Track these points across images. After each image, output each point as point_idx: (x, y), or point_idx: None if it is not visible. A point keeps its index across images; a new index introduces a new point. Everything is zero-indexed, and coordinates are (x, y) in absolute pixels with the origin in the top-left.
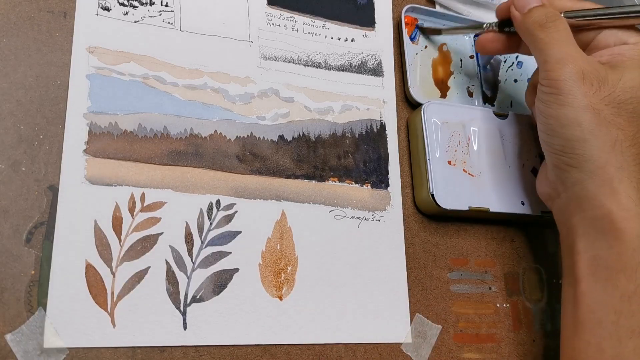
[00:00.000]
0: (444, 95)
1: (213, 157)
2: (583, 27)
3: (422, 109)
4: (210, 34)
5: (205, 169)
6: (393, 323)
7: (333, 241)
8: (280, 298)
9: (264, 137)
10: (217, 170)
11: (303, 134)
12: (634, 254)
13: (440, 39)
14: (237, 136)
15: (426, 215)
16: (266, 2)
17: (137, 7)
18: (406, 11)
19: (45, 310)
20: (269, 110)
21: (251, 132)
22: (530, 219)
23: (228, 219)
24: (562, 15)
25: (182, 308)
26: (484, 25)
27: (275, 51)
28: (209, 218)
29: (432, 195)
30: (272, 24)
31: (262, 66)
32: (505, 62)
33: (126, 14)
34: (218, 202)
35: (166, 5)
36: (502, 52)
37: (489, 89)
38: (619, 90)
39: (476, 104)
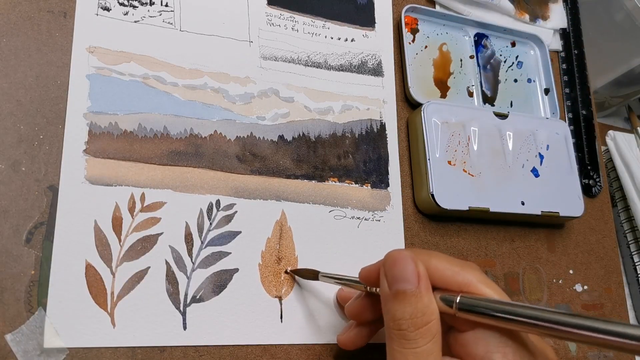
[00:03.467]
0: (444, 95)
1: (213, 157)
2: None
3: (422, 109)
4: (210, 34)
5: (205, 169)
6: None
7: (333, 241)
8: (280, 298)
9: (264, 137)
10: (217, 170)
11: (303, 134)
12: None
13: (435, 43)
14: (237, 136)
15: (426, 215)
16: (266, 2)
17: (137, 7)
18: (406, 11)
19: (45, 310)
20: (269, 110)
21: (251, 132)
22: (530, 219)
23: (228, 219)
24: (452, 300)
25: (182, 308)
26: (366, 287)
27: (275, 51)
28: (209, 218)
29: (432, 195)
30: (272, 24)
31: (262, 66)
32: (505, 62)
33: (126, 14)
34: (218, 202)
35: (166, 5)
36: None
37: (489, 89)
38: None
39: (476, 104)
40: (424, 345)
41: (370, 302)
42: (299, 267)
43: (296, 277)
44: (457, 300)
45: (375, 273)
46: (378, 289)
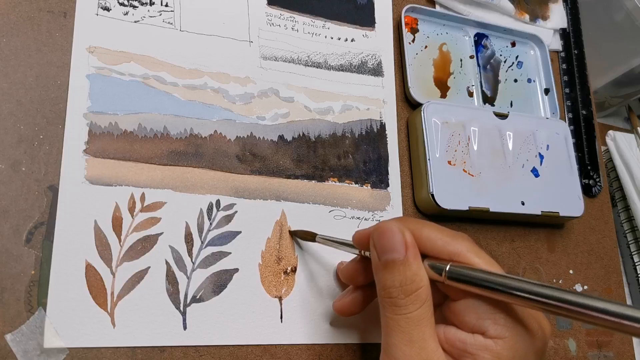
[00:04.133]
0: (444, 95)
1: (213, 157)
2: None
3: (422, 109)
4: (210, 34)
5: (205, 169)
6: None
7: None
8: (280, 298)
9: (264, 137)
10: (217, 170)
11: (303, 134)
12: None
13: (435, 43)
14: (237, 136)
15: (426, 215)
16: (266, 2)
17: (137, 7)
18: (406, 11)
19: (45, 310)
20: (269, 110)
21: (251, 132)
22: (530, 219)
23: (228, 219)
24: (441, 268)
25: (182, 308)
26: (361, 251)
27: (275, 51)
28: (209, 218)
29: (432, 195)
30: (272, 24)
31: (262, 66)
32: (505, 62)
33: (126, 14)
34: (218, 202)
35: (166, 5)
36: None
37: (489, 89)
38: None
39: (476, 104)
40: (415, 311)
41: (363, 266)
42: (299, 266)
43: (296, 277)
44: (447, 269)
45: (366, 238)
46: (369, 254)
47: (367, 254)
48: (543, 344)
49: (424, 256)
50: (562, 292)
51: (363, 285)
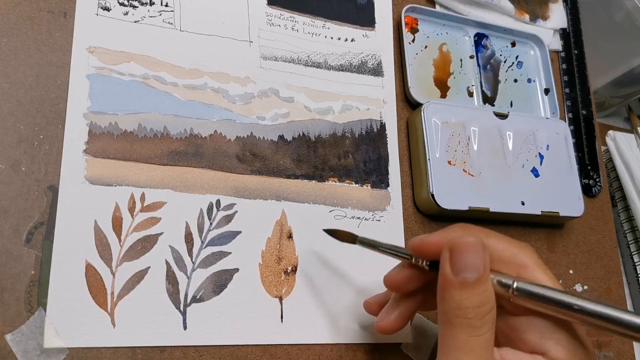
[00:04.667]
0: (444, 95)
1: (213, 157)
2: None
3: (422, 109)
4: (210, 34)
5: (205, 169)
6: None
7: (333, 241)
8: (281, 298)
9: (264, 137)
10: (217, 170)
11: (303, 134)
12: None
13: (435, 43)
14: (237, 136)
15: (426, 215)
16: (266, 2)
17: (137, 7)
18: (406, 11)
19: (45, 310)
20: (269, 110)
21: (251, 132)
22: (530, 219)
23: (228, 219)
24: (509, 284)
25: (182, 308)
26: (413, 258)
27: (275, 51)
28: (209, 218)
29: (432, 195)
30: (272, 24)
31: (262, 66)
32: (505, 62)
33: (126, 14)
34: (218, 202)
35: (166, 5)
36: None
37: (489, 89)
38: None
39: (476, 104)
40: (488, 332)
41: (415, 274)
42: (300, 266)
43: (296, 277)
44: (514, 286)
45: (432, 247)
46: (425, 263)
47: (422, 263)
48: None
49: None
50: (632, 315)
51: (408, 294)
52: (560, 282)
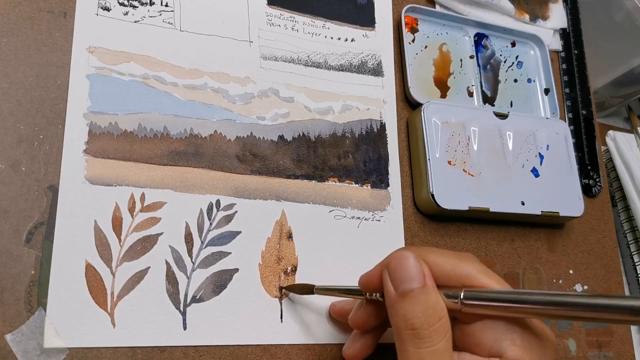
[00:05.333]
0: (444, 95)
1: (213, 157)
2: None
3: (422, 109)
4: (210, 34)
5: (205, 169)
6: None
7: (333, 241)
8: (281, 298)
9: (264, 137)
10: (217, 170)
11: (303, 134)
12: None
13: (435, 43)
14: (237, 136)
15: (426, 215)
16: (266, 2)
17: (137, 7)
18: (406, 11)
19: (45, 310)
20: (269, 110)
21: (251, 132)
22: (530, 219)
23: (228, 219)
24: (456, 296)
25: (182, 308)
26: (367, 294)
27: (275, 51)
28: (209, 218)
29: (432, 195)
30: (272, 24)
31: (262, 66)
32: (505, 62)
33: (126, 14)
34: (218, 202)
35: (166, 5)
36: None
37: (489, 89)
38: None
39: (476, 104)
40: (439, 342)
41: (373, 309)
42: (300, 266)
43: (296, 277)
44: (462, 296)
45: (375, 279)
46: (379, 295)
47: (375, 296)
48: (555, 353)
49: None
50: (587, 297)
51: (373, 329)
52: (560, 282)
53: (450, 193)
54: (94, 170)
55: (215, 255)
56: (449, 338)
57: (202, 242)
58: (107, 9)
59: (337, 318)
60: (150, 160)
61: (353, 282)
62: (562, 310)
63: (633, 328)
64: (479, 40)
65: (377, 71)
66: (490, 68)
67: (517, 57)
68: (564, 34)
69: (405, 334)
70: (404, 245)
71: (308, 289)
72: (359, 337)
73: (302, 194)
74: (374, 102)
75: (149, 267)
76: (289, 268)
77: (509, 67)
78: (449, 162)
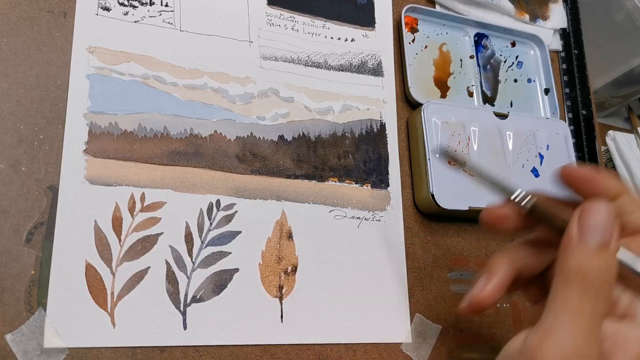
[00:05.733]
0: (444, 95)
1: (213, 157)
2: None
3: (422, 109)
4: (210, 34)
5: (205, 169)
6: (393, 323)
7: (333, 241)
8: (281, 298)
9: (264, 137)
10: (217, 170)
11: (303, 134)
12: None
13: (435, 43)
14: (237, 136)
15: (426, 215)
16: (266, 2)
17: (137, 7)
18: (406, 11)
19: (45, 310)
20: (269, 110)
21: (251, 132)
22: None
23: (228, 219)
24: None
25: (182, 308)
26: (515, 196)
27: (275, 51)
28: (209, 218)
29: (432, 195)
30: (272, 24)
31: (262, 66)
32: (505, 62)
33: (126, 14)
34: (218, 202)
35: (166, 5)
36: (513, 233)
37: (489, 89)
38: None
39: (476, 104)
40: (602, 303)
41: (513, 215)
42: (300, 266)
43: (296, 277)
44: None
45: (584, 179)
46: (527, 204)
47: (525, 202)
48: None
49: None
50: None
51: (510, 232)
52: None
53: (450, 193)
54: (94, 170)
55: (216, 255)
56: (609, 300)
57: (202, 242)
58: (107, 9)
59: (485, 218)
60: (150, 160)
61: (353, 282)
62: None
63: None
64: (479, 40)
65: (377, 71)
66: (490, 68)
67: (517, 57)
68: (564, 34)
69: (575, 280)
70: (403, 246)
71: (462, 163)
72: (489, 281)
73: (302, 194)
74: (374, 102)
75: (149, 267)
76: (289, 268)
77: (509, 67)
78: (449, 162)
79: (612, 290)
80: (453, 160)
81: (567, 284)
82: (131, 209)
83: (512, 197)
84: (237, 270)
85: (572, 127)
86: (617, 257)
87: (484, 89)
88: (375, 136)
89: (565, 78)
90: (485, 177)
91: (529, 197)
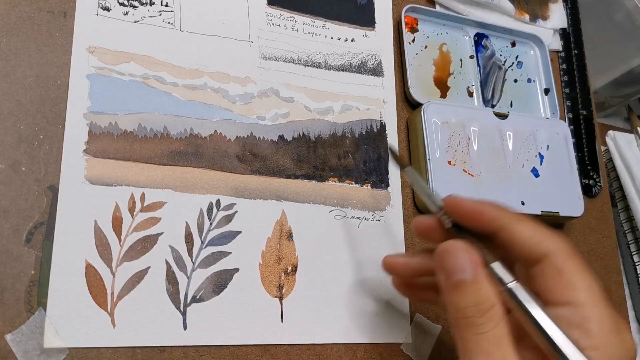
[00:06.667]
0: (444, 95)
1: (213, 157)
2: None
3: (422, 109)
4: (210, 34)
5: (205, 169)
6: (393, 323)
7: (333, 241)
8: (281, 298)
9: (264, 137)
10: (217, 170)
11: (303, 134)
12: None
13: (435, 43)
14: (237, 136)
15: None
16: (266, 2)
17: (137, 7)
18: (406, 11)
19: (45, 310)
20: (269, 110)
21: (251, 132)
22: None
23: (228, 219)
24: (504, 282)
25: (182, 308)
26: (437, 212)
27: (275, 51)
28: (209, 218)
29: None
30: (272, 24)
31: (262, 66)
32: (505, 62)
33: (126, 14)
34: (218, 202)
35: (166, 5)
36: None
37: (489, 89)
38: None
39: (476, 104)
40: (493, 329)
41: (439, 229)
42: (300, 266)
43: (296, 277)
44: (508, 286)
45: (465, 211)
46: (448, 221)
47: (445, 220)
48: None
49: (512, 259)
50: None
51: (438, 242)
52: None
53: (450, 193)
54: (94, 170)
55: (216, 255)
56: (504, 325)
57: (202, 242)
58: (107, 9)
59: (414, 232)
60: (150, 160)
61: (354, 282)
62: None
63: (633, 329)
64: (479, 40)
65: (377, 71)
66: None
67: (517, 57)
68: (564, 34)
69: (460, 321)
70: (403, 246)
71: (402, 165)
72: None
73: (302, 194)
74: (374, 102)
75: (149, 267)
76: (289, 268)
77: (509, 67)
78: (449, 162)
79: (499, 313)
80: (395, 160)
81: (457, 327)
82: (131, 209)
83: (436, 213)
84: (237, 270)
85: (572, 127)
86: (508, 289)
87: (484, 89)
88: (375, 136)
89: (565, 78)
90: (418, 187)
91: (448, 217)
